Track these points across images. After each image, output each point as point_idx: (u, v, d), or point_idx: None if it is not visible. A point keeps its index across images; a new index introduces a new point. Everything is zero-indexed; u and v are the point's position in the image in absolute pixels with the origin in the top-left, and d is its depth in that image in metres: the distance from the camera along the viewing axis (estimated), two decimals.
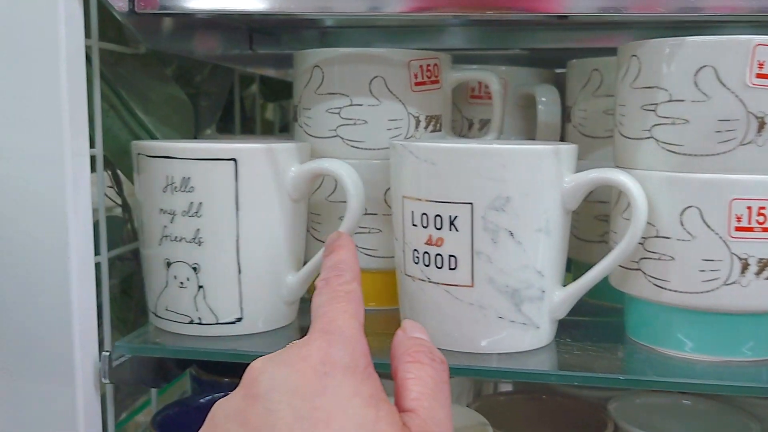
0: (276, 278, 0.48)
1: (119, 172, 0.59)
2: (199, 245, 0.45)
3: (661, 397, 0.63)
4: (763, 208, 0.41)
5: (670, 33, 0.64)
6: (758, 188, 0.41)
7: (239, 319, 0.47)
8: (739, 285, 0.42)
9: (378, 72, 0.51)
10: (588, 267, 0.47)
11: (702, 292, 0.43)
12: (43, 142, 0.40)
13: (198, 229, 0.45)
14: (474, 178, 0.42)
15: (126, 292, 0.61)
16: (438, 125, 0.53)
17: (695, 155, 0.42)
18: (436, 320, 0.45)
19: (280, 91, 0.83)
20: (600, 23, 0.65)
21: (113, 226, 0.50)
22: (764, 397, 0.59)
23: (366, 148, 0.51)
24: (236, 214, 0.45)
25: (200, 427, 0.30)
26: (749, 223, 0.41)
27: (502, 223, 0.42)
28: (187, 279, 0.45)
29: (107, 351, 0.45)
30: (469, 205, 0.42)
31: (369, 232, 0.52)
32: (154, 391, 0.63)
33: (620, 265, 0.46)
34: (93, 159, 0.44)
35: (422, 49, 0.52)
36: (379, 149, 0.51)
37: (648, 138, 0.44)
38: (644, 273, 0.45)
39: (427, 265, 0.44)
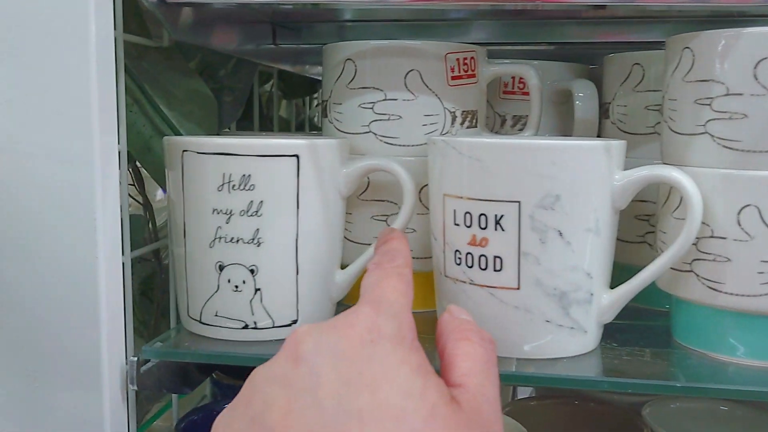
0: (327, 277, 0.46)
1: (140, 169, 0.57)
2: (258, 246, 0.43)
3: (697, 401, 0.61)
4: None
5: (701, 26, 0.62)
6: None
7: (294, 321, 0.45)
8: None
9: (413, 65, 0.49)
10: (627, 268, 0.45)
11: (760, 295, 0.41)
12: (71, 136, 0.38)
13: (257, 229, 0.43)
14: (522, 176, 0.40)
15: (145, 294, 0.59)
16: (474, 121, 0.51)
17: (754, 151, 0.40)
18: (479, 324, 0.42)
19: (299, 88, 0.81)
20: (634, 17, 0.63)
21: (135, 225, 0.48)
22: None
23: (400, 145, 0.49)
24: (296, 213, 0.43)
25: None
26: None
27: (551, 223, 0.40)
28: (243, 282, 0.43)
29: (134, 356, 0.42)
30: (517, 203, 0.40)
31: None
32: (174, 395, 0.61)
33: (670, 267, 0.44)
34: None
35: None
36: (413, 146, 0.49)
37: (702, 134, 0.42)
38: (697, 275, 0.43)
39: (470, 267, 0.42)
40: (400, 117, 0.49)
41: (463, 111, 0.50)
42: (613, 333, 0.46)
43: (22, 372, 0.40)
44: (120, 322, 0.41)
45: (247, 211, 0.42)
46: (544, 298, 0.41)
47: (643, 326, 0.49)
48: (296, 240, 0.44)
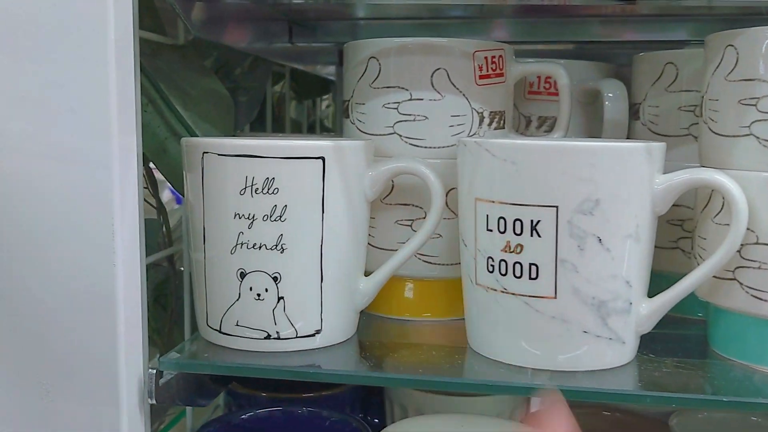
0: (351, 285, 0.44)
1: (153, 171, 0.55)
2: (282, 252, 0.41)
3: (726, 411, 0.59)
4: None
5: (728, 24, 0.61)
6: None
7: (318, 331, 0.43)
8: None
9: (440, 64, 0.47)
10: (659, 275, 0.43)
11: None
12: (89, 137, 0.36)
13: (281, 235, 0.41)
14: (560, 179, 0.38)
15: (158, 301, 0.57)
16: (502, 122, 0.49)
17: None
18: (511, 334, 0.41)
19: (311, 88, 0.79)
20: (658, 14, 0.62)
21: (148, 229, 0.46)
22: None
23: (426, 146, 0.47)
24: (322, 217, 0.41)
25: None
26: None
27: (589, 229, 0.39)
28: (266, 290, 0.41)
29: (152, 368, 0.40)
30: (554, 208, 0.38)
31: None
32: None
33: None
34: None
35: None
36: (440, 147, 0.47)
37: (747, 135, 0.40)
38: (741, 283, 0.41)
39: (504, 275, 0.40)
40: (426, 118, 0.47)
41: (491, 111, 0.48)
42: (648, 343, 0.44)
43: (36, 384, 0.38)
44: (138, 333, 0.39)
45: (271, 216, 0.40)
46: (582, 307, 0.39)
47: (678, 335, 0.48)
48: (321, 246, 0.42)
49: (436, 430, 0.49)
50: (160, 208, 0.55)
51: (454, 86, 0.47)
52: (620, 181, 0.39)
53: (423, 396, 0.56)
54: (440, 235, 0.48)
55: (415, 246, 0.45)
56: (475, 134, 0.48)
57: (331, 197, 0.41)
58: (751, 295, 0.40)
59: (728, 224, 0.39)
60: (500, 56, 0.48)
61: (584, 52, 0.68)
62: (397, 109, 0.47)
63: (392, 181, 0.47)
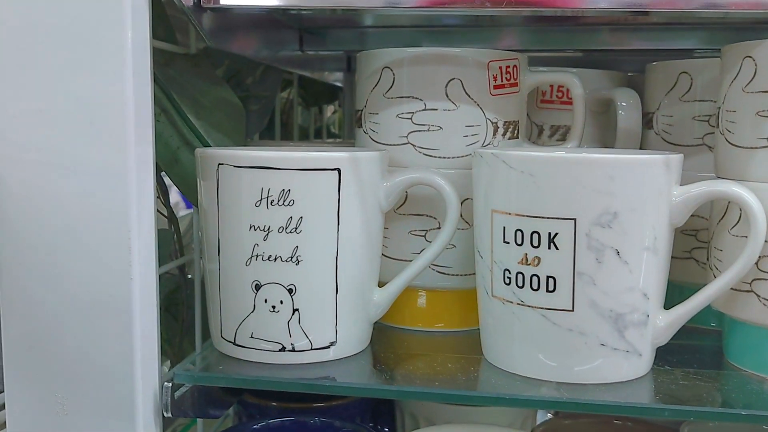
0: (366, 296, 0.44)
1: (164, 180, 0.55)
2: (297, 264, 0.41)
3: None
4: None
5: (739, 34, 0.61)
6: None
7: (333, 343, 0.43)
8: None
9: (455, 74, 0.46)
10: (672, 285, 0.43)
11: None
12: (105, 147, 0.36)
13: (296, 247, 0.40)
14: (578, 191, 0.38)
15: (169, 310, 0.56)
16: (516, 132, 0.49)
17: None
18: (528, 347, 0.41)
19: (319, 95, 0.79)
20: (669, 24, 0.62)
21: (162, 240, 0.46)
22: None
23: (440, 156, 0.47)
24: (337, 229, 0.41)
25: None
26: None
27: (608, 241, 0.38)
28: (281, 302, 0.41)
29: (168, 381, 0.40)
30: (572, 220, 0.38)
31: None
32: None
33: None
34: None
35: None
36: (454, 158, 0.47)
37: (765, 147, 0.40)
38: (758, 295, 0.41)
39: (521, 287, 0.40)
40: (441, 128, 0.47)
41: (505, 121, 0.48)
42: (663, 354, 0.44)
43: (51, 398, 0.38)
44: (153, 345, 0.39)
45: (286, 228, 0.40)
46: (599, 320, 0.39)
47: (693, 346, 0.47)
48: (336, 257, 0.41)
49: None
50: (172, 217, 0.54)
51: (469, 96, 0.47)
52: (639, 194, 0.38)
53: (434, 405, 0.56)
54: (454, 246, 0.48)
55: (430, 257, 0.45)
56: (489, 144, 0.48)
57: (346, 208, 0.41)
58: None
59: (745, 236, 0.39)
60: (515, 66, 0.48)
61: (594, 60, 0.68)
62: (410, 119, 0.47)
63: (406, 192, 0.47)
